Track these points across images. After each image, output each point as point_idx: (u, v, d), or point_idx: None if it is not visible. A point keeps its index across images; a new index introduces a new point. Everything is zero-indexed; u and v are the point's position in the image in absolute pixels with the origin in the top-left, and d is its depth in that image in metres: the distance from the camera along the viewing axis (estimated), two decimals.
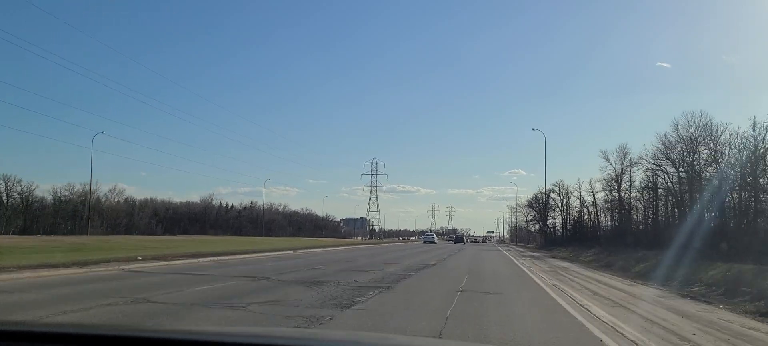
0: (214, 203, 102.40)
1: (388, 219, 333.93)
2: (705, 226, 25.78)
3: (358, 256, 27.77)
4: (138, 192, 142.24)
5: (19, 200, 69.68)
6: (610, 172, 45.30)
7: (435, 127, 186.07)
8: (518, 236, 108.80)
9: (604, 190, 49.12)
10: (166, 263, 17.70)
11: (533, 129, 61.20)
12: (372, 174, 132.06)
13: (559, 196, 63.40)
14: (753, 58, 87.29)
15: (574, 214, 62.69)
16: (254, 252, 26.29)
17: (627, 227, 42.53)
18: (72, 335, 1.91)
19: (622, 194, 45.05)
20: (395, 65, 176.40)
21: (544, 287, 14.07)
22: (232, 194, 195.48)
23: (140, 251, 22.43)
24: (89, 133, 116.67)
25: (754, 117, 25.27)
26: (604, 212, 53.73)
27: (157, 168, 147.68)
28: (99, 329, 2.44)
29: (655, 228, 33.11)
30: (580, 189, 57.51)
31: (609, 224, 52.73)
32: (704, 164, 30.16)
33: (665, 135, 32.40)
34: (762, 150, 25.38)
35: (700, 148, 30.51)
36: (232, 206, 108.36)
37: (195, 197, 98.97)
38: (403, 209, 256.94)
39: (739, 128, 28.85)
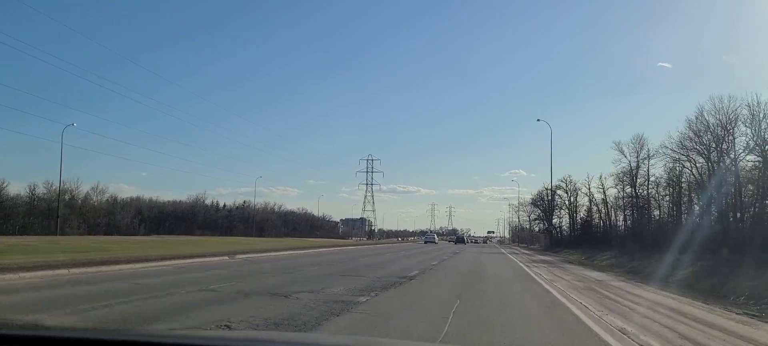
0: (205, 202, 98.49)
1: (387, 219, 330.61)
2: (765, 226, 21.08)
3: (329, 261, 23.27)
4: (138, 192, 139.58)
5: None
6: (624, 165, 40.69)
7: (435, 127, 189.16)
8: (520, 237, 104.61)
9: (616, 185, 44.53)
10: (51, 272, 13.35)
11: (538, 120, 56.50)
12: (368, 171, 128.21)
13: (567, 193, 58.59)
14: (753, 58, 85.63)
15: (582, 212, 58.03)
16: (192, 257, 21.48)
17: (644, 225, 37.96)
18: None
19: (638, 190, 40.49)
20: (395, 65, 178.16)
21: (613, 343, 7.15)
22: (233, 194, 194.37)
23: (56, 255, 18.00)
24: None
25: None
26: (614, 210, 49.15)
27: (156, 168, 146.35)
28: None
29: (681, 227, 28.50)
30: (589, 185, 52.82)
31: (620, 223, 48.22)
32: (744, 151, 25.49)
33: (699, 113, 27.61)
34: None
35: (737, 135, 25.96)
36: (224, 205, 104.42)
37: (192, 196, 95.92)
38: (403, 209, 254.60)
39: None
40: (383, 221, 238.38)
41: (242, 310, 8.55)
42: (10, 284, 11.50)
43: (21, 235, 52.15)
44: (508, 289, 14.01)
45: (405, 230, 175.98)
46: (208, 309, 8.65)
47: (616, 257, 29.61)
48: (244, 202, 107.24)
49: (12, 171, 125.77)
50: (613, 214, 49.72)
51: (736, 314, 10.20)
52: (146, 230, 76.90)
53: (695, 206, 30.12)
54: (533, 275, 19.25)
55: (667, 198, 38.21)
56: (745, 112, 24.71)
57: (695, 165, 29.52)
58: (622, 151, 40.10)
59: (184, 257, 21.01)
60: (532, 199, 69.88)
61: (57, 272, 13.72)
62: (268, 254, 27.52)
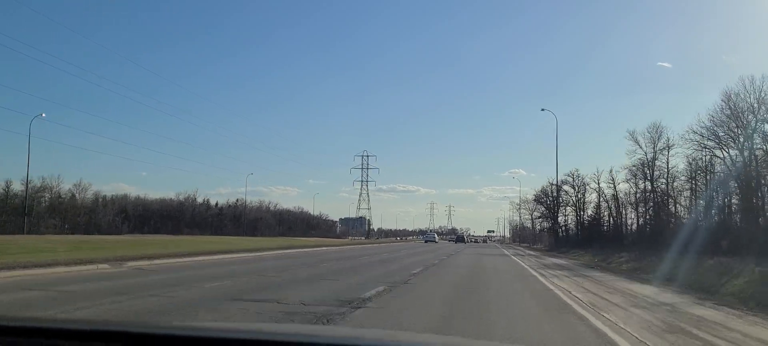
0: (196, 200, 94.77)
1: (387, 219, 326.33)
2: None
3: (281, 266, 18.58)
4: (138, 192, 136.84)
5: None
6: (639, 156, 36.80)
7: (435, 127, 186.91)
8: (521, 236, 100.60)
9: (628, 180, 40.60)
10: None
11: (543, 109, 52.68)
12: (363, 168, 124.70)
13: (574, 188, 54.38)
14: (753, 58, 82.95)
15: (589, 210, 54.00)
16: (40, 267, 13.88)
17: (663, 223, 34.03)
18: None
19: (655, 184, 36.58)
20: (395, 65, 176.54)
21: None
22: (233, 194, 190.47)
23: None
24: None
25: None
26: (625, 206, 45.23)
27: (156, 168, 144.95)
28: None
29: (712, 225, 24.58)
30: (598, 180, 48.80)
31: (631, 220, 44.34)
32: None
33: (730, 94, 23.72)
34: None
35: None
36: (216, 204, 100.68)
37: (181, 194, 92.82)
38: (403, 208, 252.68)
39: None
40: (382, 220, 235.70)
41: None
42: None
43: None
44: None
45: (404, 230, 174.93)
46: None
47: (636, 259, 25.62)
48: (237, 200, 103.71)
49: (12, 171, 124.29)
50: (624, 211, 45.88)
51: None
52: (130, 228, 73.26)
53: (733, 199, 26.08)
54: (560, 293, 12.74)
55: (686, 193, 34.40)
56: None
57: (728, 152, 25.63)
58: (636, 142, 36.30)
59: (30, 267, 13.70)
60: (536, 195, 65.78)
61: None
62: (201, 258, 20.95)
